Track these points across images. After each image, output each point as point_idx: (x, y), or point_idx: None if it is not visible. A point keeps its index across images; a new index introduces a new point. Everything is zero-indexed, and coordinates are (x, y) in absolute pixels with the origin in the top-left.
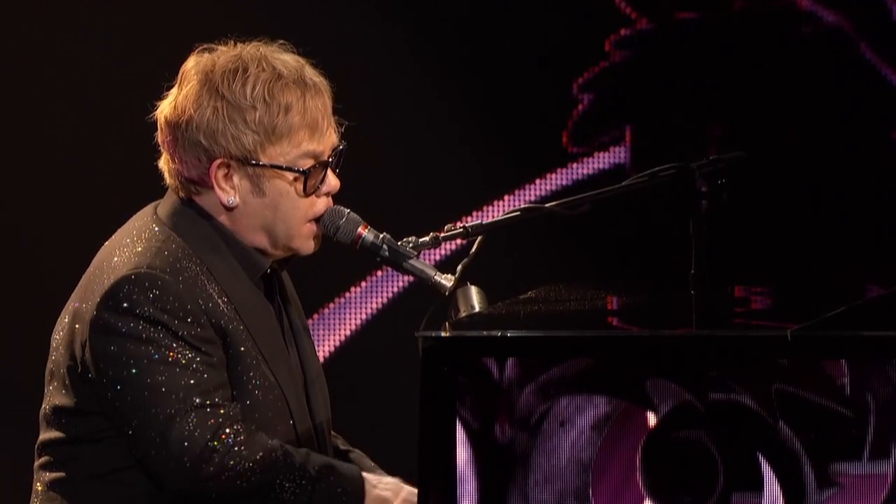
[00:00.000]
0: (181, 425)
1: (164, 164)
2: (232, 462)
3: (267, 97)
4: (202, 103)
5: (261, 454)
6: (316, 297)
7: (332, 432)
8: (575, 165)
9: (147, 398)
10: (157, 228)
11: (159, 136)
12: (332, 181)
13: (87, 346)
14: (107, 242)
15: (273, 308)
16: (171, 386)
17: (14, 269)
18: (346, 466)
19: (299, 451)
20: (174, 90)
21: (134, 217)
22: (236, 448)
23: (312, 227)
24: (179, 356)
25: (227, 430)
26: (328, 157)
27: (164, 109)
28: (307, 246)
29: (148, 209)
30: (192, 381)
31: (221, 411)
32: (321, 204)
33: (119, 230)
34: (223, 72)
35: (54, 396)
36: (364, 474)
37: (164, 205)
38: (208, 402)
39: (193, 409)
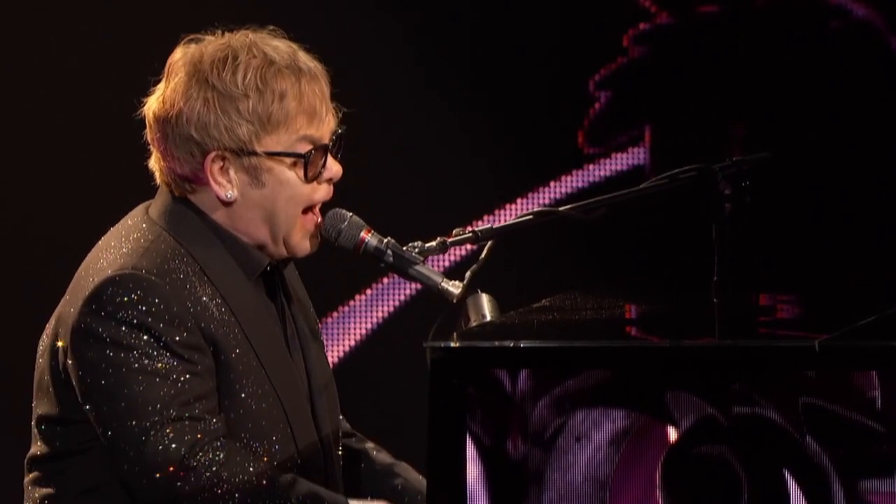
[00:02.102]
0: (156, 439)
1: (154, 162)
2: (209, 483)
3: (260, 84)
4: (191, 95)
5: (241, 476)
6: (318, 305)
7: (369, 444)
8: (591, 167)
9: (123, 409)
10: (146, 228)
11: (148, 134)
12: (333, 167)
13: (69, 351)
14: (96, 245)
15: (275, 308)
16: (148, 396)
17: (5, 273)
18: (333, 496)
19: (285, 476)
20: (161, 84)
21: (124, 218)
22: (215, 468)
23: (313, 219)
24: (160, 364)
25: (206, 448)
26: (329, 142)
27: (152, 105)
28: (303, 245)
29: (139, 209)
30: (171, 392)
31: (200, 425)
32: (322, 191)
33: (109, 232)
34: (212, 61)
35: (40, 406)
36: (351, 502)
37: (156, 203)
38: (187, 415)
39: (170, 422)
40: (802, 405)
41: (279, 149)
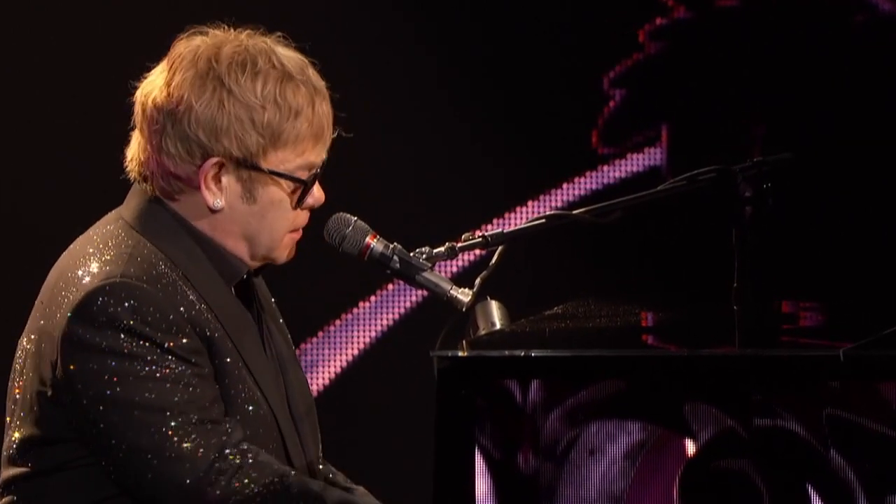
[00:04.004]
0: (181, 444)
1: (138, 152)
2: (239, 485)
3: (278, 98)
4: (205, 94)
5: (271, 479)
6: (321, 313)
7: (332, 470)
8: (606, 168)
9: (137, 417)
10: (124, 234)
11: (142, 122)
12: (317, 193)
13: (59, 365)
14: (65, 253)
15: (252, 317)
16: (163, 402)
17: None
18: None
19: (315, 481)
20: (161, 72)
21: (95, 225)
22: (244, 470)
23: (294, 237)
24: (168, 370)
25: (234, 450)
26: (319, 168)
27: (153, 92)
28: (283, 256)
29: (111, 215)
30: (185, 397)
31: (223, 427)
32: (303, 217)
33: (78, 239)
34: (230, 62)
35: (20, 427)
36: None
37: (129, 207)
38: (208, 419)
39: (193, 426)
40: (826, 417)
41: (281, 168)
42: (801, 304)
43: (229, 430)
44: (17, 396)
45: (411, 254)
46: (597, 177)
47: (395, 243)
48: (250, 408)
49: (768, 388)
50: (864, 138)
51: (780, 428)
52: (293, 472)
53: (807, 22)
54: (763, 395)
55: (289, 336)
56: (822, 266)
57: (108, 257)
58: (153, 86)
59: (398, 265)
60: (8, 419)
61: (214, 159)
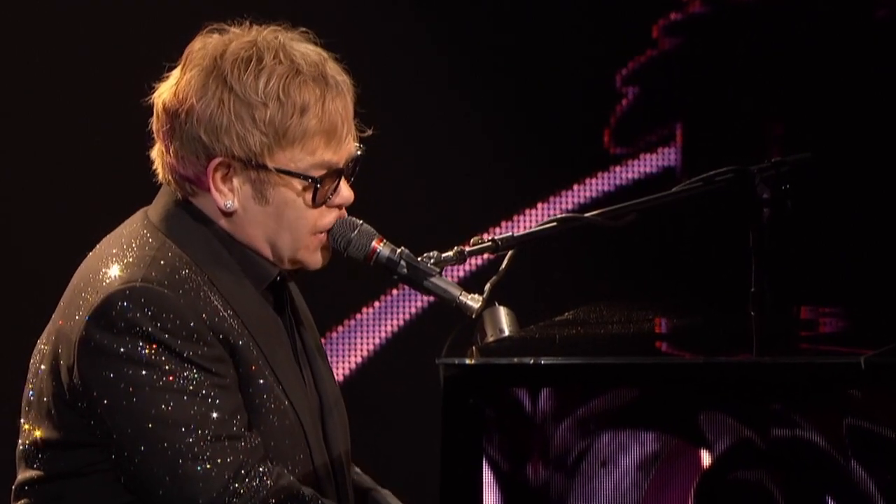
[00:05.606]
0: (195, 462)
1: (157, 154)
2: None
3: (281, 95)
4: (206, 93)
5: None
6: (324, 318)
7: (353, 469)
8: (618, 169)
9: (152, 430)
10: (149, 235)
11: (154, 124)
12: (345, 192)
13: (76, 370)
14: (91, 253)
15: (283, 323)
16: (179, 416)
17: None
18: None
19: None
20: (176, 72)
21: (122, 224)
22: (263, 493)
23: (321, 239)
24: (186, 381)
25: (251, 472)
26: (343, 166)
27: (164, 94)
28: (314, 259)
29: (138, 215)
30: (202, 409)
31: (241, 444)
32: (331, 216)
33: (105, 239)
34: (234, 59)
35: (36, 429)
36: None
37: (156, 207)
38: (225, 434)
39: (208, 443)
40: (847, 427)
41: (291, 167)
42: (821, 309)
43: (249, 448)
44: (32, 398)
45: (419, 258)
46: (609, 178)
47: (402, 247)
48: (276, 419)
49: (786, 396)
50: (887, 137)
51: (799, 438)
52: (315, 496)
53: (826, 17)
54: (781, 403)
55: (317, 332)
56: (842, 270)
57: (130, 259)
58: (164, 88)
59: (405, 270)
60: (22, 421)
61: (218, 159)
